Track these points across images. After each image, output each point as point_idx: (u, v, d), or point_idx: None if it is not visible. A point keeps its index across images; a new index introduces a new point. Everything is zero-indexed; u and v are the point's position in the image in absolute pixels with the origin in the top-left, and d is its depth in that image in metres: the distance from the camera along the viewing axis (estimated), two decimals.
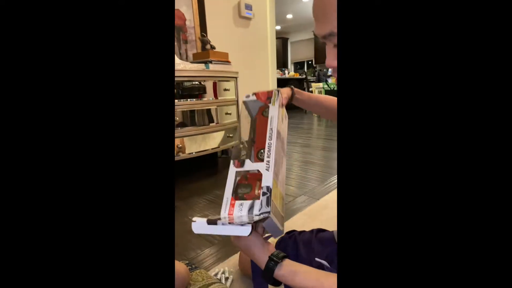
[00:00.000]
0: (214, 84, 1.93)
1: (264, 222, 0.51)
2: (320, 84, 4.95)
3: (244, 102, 0.69)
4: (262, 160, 0.57)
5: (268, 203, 0.49)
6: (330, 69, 0.58)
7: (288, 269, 0.47)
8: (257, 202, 0.51)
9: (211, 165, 2.25)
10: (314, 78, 5.80)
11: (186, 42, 2.19)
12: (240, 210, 0.52)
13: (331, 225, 1.10)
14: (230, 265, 0.98)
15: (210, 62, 1.97)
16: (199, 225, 0.47)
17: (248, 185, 0.59)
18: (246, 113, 0.72)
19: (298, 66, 8.12)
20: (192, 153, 1.83)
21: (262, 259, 0.49)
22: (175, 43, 2.10)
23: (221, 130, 2.01)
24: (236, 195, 0.55)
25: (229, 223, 0.45)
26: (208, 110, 1.90)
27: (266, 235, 0.59)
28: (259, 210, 0.49)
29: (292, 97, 0.70)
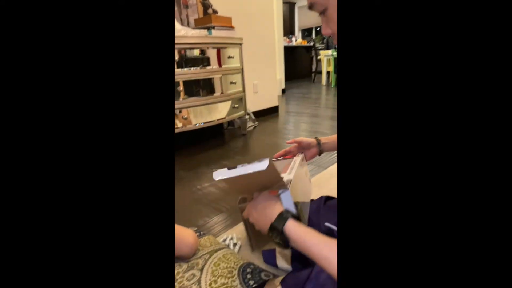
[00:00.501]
0: (218, 52, 1.84)
1: (282, 194, 0.57)
2: (329, 51, 4.72)
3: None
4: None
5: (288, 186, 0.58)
6: None
7: (297, 224, 0.48)
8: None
9: (218, 136, 2.23)
10: (323, 45, 5.53)
11: (187, 6, 2.07)
12: None
13: None
14: (238, 232, 1.00)
15: (213, 27, 1.87)
16: (219, 172, 0.53)
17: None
18: None
19: (306, 33, 7.74)
20: (197, 124, 1.81)
21: (273, 214, 0.50)
22: (175, 8, 1.99)
23: (227, 100, 1.96)
24: None
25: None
26: (213, 80, 1.84)
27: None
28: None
29: (319, 146, 0.68)
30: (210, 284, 0.68)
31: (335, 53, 4.62)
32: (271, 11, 2.72)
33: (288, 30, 6.79)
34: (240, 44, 2.04)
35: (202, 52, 1.77)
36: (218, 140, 2.15)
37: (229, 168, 0.52)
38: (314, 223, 0.70)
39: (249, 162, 0.51)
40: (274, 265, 0.80)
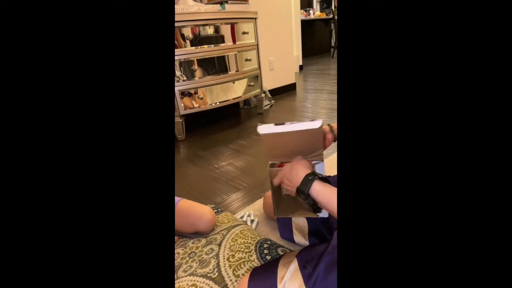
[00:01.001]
0: (232, 27, 1.78)
1: (317, 165, 0.59)
2: None
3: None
4: None
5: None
6: None
7: (324, 185, 0.47)
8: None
9: (234, 116, 2.22)
10: None
11: None
12: None
13: None
14: (255, 209, 1.01)
15: (226, 2, 1.80)
16: (265, 126, 0.52)
17: None
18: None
19: (325, 4, 7.30)
20: (212, 104, 1.80)
21: (300, 177, 0.50)
22: None
23: (242, 78, 1.92)
24: None
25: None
26: (227, 57, 1.80)
27: None
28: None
29: (333, 132, 0.66)
30: (228, 258, 0.69)
31: None
32: None
33: (306, 2, 6.43)
34: (255, 19, 1.96)
35: (216, 29, 1.72)
36: (234, 119, 2.14)
37: (276, 124, 0.51)
38: None
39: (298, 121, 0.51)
40: (291, 240, 0.80)
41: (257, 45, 2.01)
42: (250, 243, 0.74)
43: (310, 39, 5.47)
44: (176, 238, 0.79)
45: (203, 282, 0.63)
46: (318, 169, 0.61)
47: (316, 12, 6.14)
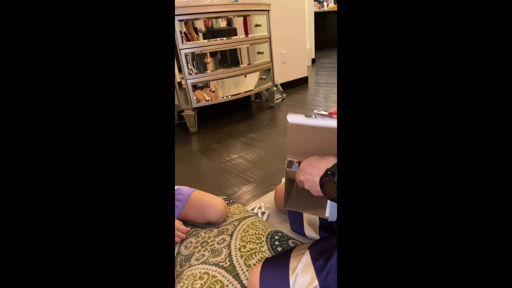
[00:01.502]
0: (244, 20, 1.77)
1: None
2: None
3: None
4: None
5: None
6: None
7: None
8: None
9: (245, 109, 2.22)
10: None
11: None
12: None
13: None
14: (266, 201, 1.02)
15: None
16: (295, 116, 0.51)
17: None
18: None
19: None
20: (224, 97, 1.80)
21: (325, 167, 0.47)
22: None
23: (254, 71, 1.92)
24: None
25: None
26: (239, 50, 1.79)
27: None
28: None
29: None
30: (239, 249, 0.70)
31: None
32: None
33: None
34: (268, 11, 1.94)
35: (229, 21, 1.71)
36: (245, 113, 2.14)
37: (306, 116, 0.49)
38: None
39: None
40: (302, 233, 0.80)
41: (270, 37, 1.99)
42: (261, 234, 0.75)
43: (323, 32, 5.37)
44: (188, 228, 0.80)
45: (215, 271, 0.65)
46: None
47: (330, 4, 6.00)
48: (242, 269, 0.64)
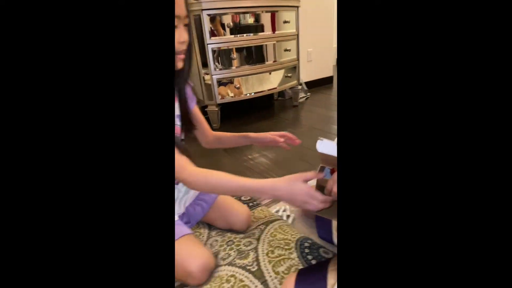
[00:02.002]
0: (272, 16, 1.73)
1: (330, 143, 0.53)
2: None
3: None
4: None
5: None
6: None
7: None
8: None
9: (267, 107, 2.19)
10: None
11: None
12: None
13: None
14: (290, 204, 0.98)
15: None
16: (326, 143, 0.48)
17: None
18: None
19: None
20: (247, 94, 1.77)
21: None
22: None
23: (280, 69, 1.87)
24: None
25: None
26: (265, 47, 1.75)
27: None
28: None
29: None
30: (267, 254, 0.67)
31: None
32: None
33: None
34: (297, 7, 1.88)
35: (256, 17, 1.67)
36: (268, 111, 2.10)
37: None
38: None
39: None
40: (330, 241, 0.76)
41: (298, 35, 1.94)
42: (290, 240, 0.72)
43: None
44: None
45: (242, 275, 0.62)
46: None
47: None
48: (271, 276, 0.62)
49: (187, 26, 0.57)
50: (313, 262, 0.65)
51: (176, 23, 0.54)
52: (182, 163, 0.55)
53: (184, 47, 0.57)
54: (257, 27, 1.69)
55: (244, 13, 1.62)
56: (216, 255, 0.70)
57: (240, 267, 0.64)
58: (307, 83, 2.43)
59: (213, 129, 0.84)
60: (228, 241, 0.74)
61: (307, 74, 2.47)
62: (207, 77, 1.66)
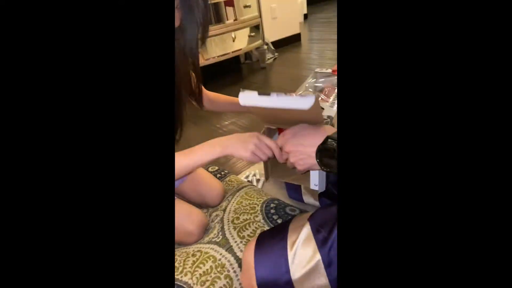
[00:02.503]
0: None
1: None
2: None
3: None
4: None
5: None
6: None
7: None
8: None
9: (235, 72, 2.08)
10: None
11: None
12: None
13: None
14: (260, 168, 0.96)
15: None
16: (247, 95, 0.43)
17: None
18: None
19: None
20: (209, 58, 1.65)
21: (320, 138, 0.41)
22: None
23: (242, 28, 1.74)
24: None
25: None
26: (223, 3, 1.60)
27: None
28: None
29: None
30: (232, 221, 0.65)
31: None
32: None
33: None
34: None
35: None
36: (235, 75, 2.00)
37: (259, 94, 0.42)
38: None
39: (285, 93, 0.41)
40: (300, 200, 0.75)
41: None
42: (255, 203, 0.70)
43: None
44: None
45: (208, 247, 0.60)
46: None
47: None
48: (236, 241, 0.60)
49: None
50: (279, 221, 0.64)
51: None
52: None
53: None
54: None
55: None
56: None
57: (206, 242, 0.62)
58: (273, 43, 2.31)
59: None
60: None
61: (272, 33, 2.33)
62: None
